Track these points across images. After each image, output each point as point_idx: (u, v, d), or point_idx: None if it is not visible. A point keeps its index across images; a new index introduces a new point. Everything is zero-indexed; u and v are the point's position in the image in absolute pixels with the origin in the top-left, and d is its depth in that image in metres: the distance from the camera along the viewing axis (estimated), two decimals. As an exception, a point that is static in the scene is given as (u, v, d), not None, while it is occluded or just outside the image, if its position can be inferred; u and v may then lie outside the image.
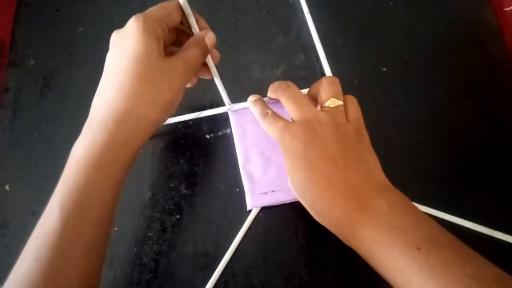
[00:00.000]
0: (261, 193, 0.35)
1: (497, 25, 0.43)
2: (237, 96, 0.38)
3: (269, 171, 0.36)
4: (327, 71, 0.39)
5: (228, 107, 0.37)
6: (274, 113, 0.31)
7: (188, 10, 0.29)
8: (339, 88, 0.30)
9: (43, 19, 0.43)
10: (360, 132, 0.29)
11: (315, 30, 0.41)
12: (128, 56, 0.26)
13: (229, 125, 0.38)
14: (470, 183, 0.37)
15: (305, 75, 0.41)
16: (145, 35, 0.26)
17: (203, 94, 0.40)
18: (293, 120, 0.30)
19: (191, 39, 0.30)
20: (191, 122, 0.38)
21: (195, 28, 0.30)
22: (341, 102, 0.30)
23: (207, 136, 0.38)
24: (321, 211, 0.27)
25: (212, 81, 0.41)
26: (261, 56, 0.42)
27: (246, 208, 0.35)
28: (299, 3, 0.43)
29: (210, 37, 0.30)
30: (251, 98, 0.34)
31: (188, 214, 0.36)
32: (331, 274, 0.34)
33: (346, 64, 0.41)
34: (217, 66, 0.33)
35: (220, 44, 0.42)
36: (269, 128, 0.31)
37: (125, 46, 0.26)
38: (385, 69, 0.41)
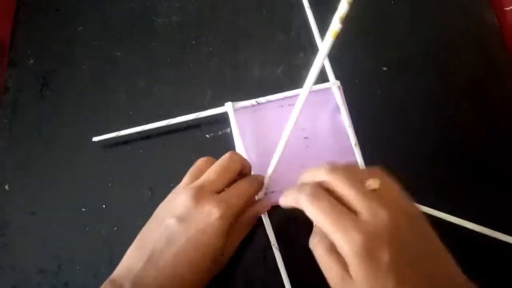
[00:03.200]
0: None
1: (497, 25, 0.43)
2: (237, 96, 0.38)
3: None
4: (328, 70, 0.39)
5: (228, 107, 0.37)
6: (327, 195, 0.24)
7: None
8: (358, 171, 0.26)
9: (43, 18, 0.43)
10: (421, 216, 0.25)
11: (316, 29, 0.41)
12: (201, 251, 0.27)
13: (229, 125, 0.38)
14: (470, 183, 0.37)
15: (305, 74, 0.41)
16: (223, 237, 0.27)
17: (203, 94, 0.40)
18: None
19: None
20: (191, 122, 0.38)
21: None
22: (379, 181, 0.24)
23: (207, 136, 0.38)
24: None
25: (211, 81, 0.41)
26: (261, 55, 0.41)
27: (246, 208, 0.35)
28: (300, 1, 0.43)
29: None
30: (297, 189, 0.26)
31: (188, 214, 0.36)
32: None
33: (346, 63, 0.41)
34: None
35: (220, 43, 0.42)
36: (326, 220, 0.23)
37: (201, 236, 0.27)
38: (385, 69, 0.41)
